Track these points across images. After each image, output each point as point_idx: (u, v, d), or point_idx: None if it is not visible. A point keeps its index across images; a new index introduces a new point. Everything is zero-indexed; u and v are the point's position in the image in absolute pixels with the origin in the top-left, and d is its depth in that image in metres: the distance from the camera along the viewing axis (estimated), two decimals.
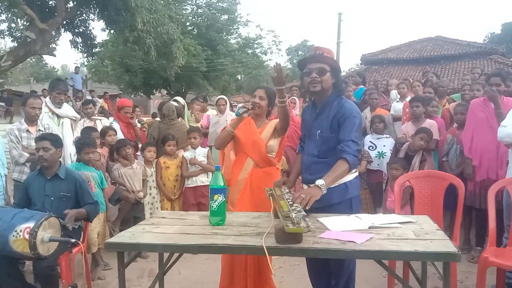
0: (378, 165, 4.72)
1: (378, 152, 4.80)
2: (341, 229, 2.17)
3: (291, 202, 2.21)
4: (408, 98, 5.52)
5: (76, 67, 17.34)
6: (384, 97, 6.59)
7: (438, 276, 3.32)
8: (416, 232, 2.15)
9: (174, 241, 2.10)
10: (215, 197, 2.35)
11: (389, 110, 5.99)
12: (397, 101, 6.12)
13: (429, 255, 1.90)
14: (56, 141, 3.31)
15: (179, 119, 5.72)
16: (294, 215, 1.96)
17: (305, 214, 2.08)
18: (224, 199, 2.37)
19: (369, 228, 2.20)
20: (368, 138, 4.96)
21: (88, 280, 3.57)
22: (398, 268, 3.23)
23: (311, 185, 2.39)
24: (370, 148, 4.86)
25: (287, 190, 2.50)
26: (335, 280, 2.69)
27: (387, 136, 4.97)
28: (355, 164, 2.50)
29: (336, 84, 2.63)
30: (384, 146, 4.82)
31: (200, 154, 4.88)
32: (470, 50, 18.34)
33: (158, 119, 6.23)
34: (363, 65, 21.45)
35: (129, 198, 4.38)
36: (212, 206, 2.36)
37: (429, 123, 4.59)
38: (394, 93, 6.59)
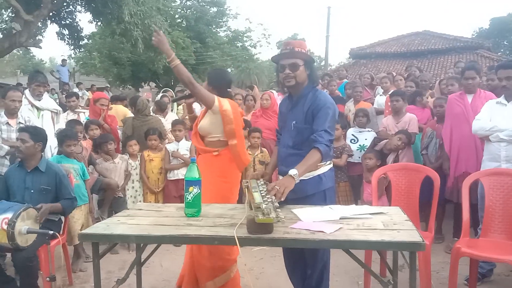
0: (359, 158, 4.78)
1: (360, 145, 4.86)
2: (313, 220, 2.21)
3: (264, 194, 2.24)
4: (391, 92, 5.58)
5: (63, 60, 17.16)
6: (367, 90, 6.65)
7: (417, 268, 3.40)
8: (385, 222, 2.20)
9: (148, 232, 2.13)
10: (190, 189, 2.38)
11: (373, 104, 6.06)
12: (380, 95, 6.19)
13: (394, 244, 1.96)
14: (37, 135, 3.30)
15: (154, 114, 5.66)
16: (264, 206, 2.00)
17: (278, 205, 2.12)
18: (199, 191, 2.40)
19: (340, 218, 2.25)
20: (351, 131, 5.02)
21: (69, 272, 3.59)
22: (376, 259, 3.30)
23: (284, 176, 2.43)
24: (352, 141, 4.92)
25: (262, 182, 2.53)
26: (310, 270, 2.74)
27: (369, 129, 5.03)
28: (328, 154, 2.55)
29: (311, 75, 2.67)
30: (365, 139, 4.88)
31: (183, 147, 4.89)
32: (457, 45, 18.51)
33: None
34: (351, 59, 21.54)
35: (111, 184, 4.38)
36: (187, 198, 2.39)
37: (409, 117, 4.66)
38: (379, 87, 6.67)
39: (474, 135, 3.75)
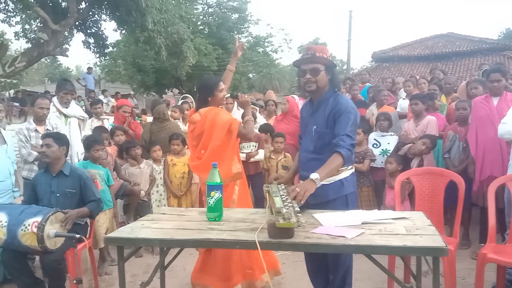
0: (382, 162, 4.72)
1: (382, 149, 4.81)
2: (334, 225, 2.21)
3: (284, 198, 2.26)
4: None
5: (88, 68, 17.57)
6: (390, 94, 6.58)
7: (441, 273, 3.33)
8: (407, 227, 2.18)
9: (171, 236, 2.17)
10: (212, 193, 2.41)
11: (395, 108, 6.00)
12: (403, 99, 6.11)
13: (417, 250, 1.94)
14: (60, 139, 3.41)
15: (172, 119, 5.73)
16: (285, 210, 2.01)
17: (299, 210, 2.13)
18: (221, 195, 2.43)
19: (361, 223, 2.24)
20: (373, 136, 4.98)
21: (95, 275, 3.67)
22: (400, 265, 3.26)
23: (305, 180, 2.43)
24: (374, 145, 4.87)
25: (283, 187, 2.55)
26: (333, 275, 2.73)
27: (392, 133, 4.98)
28: (349, 158, 2.54)
29: (332, 80, 2.68)
30: (388, 143, 4.83)
31: None
32: (483, 46, 18.09)
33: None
34: (373, 63, 21.33)
35: (134, 191, 4.47)
36: (209, 203, 2.42)
37: (428, 119, 4.60)
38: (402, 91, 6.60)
39: (500, 139, 3.68)
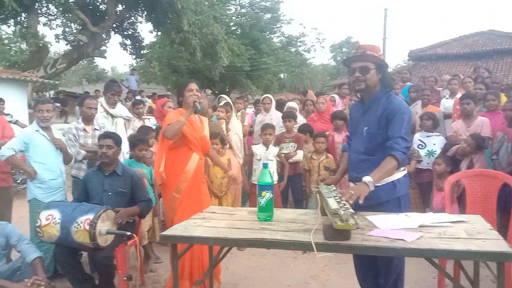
0: (427, 164, 4.58)
1: (428, 150, 4.67)
2: (390, 228, 2.16)
3: (338, 200, 2.22)
4: (459, 95, 5.35)
5: (132, 69, 17.95)
6: (432, 94, 6.41)
7: (491, 279, 3.22)
8: (468, 231, 2.11)
9: (225, 235, 2.18)
10: (263, 193, 2.41)
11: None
12: (446, 98, 5.94)
13: (482, 255, 1.86)
14: (117, 140, 3.53)
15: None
16: (342, 212, 1.97)
17: (353, 211, 2.09)
18: (272, 195, 2.42)
19: (419, 227, 2.18)
20: (418, 136, 4.84)
21: (141, 272, 3.74)
22: (448, 269, 3.16)
23: (358, 183, 2.39)
24: (420, 146, 4.74)
25: (333, 188, 2.51)
26: (384, 279, 2.67)
27: (437, 134, 4.84)
28: (404, 161, 2.48)
29: (383, 80, 2.62)
30: (434, 144, 4.68)
31: (272, 152, 4.86)
32: None
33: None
34: (410, 61, 20.86)
35: None
36: (260, 202, 2.42)
37: (481, 120, 4.43)
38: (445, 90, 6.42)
39: None
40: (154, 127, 5.14)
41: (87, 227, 2.93)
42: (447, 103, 5.76)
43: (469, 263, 2.52)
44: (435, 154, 4.56)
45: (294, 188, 5.19)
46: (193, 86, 3.40)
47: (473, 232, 2.10)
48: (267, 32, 24.49)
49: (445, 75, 8.02)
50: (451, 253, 1.90)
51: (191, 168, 3.33)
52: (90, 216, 2.97)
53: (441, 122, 5.18)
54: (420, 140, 4.76)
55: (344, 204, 2.14)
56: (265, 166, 2.51)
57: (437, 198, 4.02)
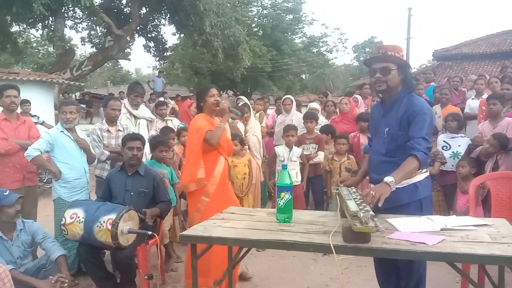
0: (452, 166, 4.48)
1: (453, 152, 4.58)
2: (411, 230, 2.12)
3: (359, 202, 2.20)
4: (485, 95, 5.22)
5: (159, 72, 18.21)
6: (456, 93, 6.28)
7: None
8: (492, 235, 2.05)
9: (244, 236, 2.18)
10: (282, 194, 2.40)
11: (464, 108, 5.72)
12: (472, 98, 5.80)
13: (506, 259, 1.81)
14: (144, 141, 3.63)
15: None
16: (362, 214, 1.95)
17: (374, 214, 2.06)
18: (291, 196, 2.42)
19: (441, 230, 2.14)
20: (442, 138, 4.74)
21: (162, 271, 3.78)
22: (472, 274, 3.09)
23: (379, 183, 2.35)
24: (444, 148, 4.64)
25: (354, 190, 2.49)
26: (405, 282, 2.63)
27: (463, 135, 4.74)
28: (426, 162, 2.44)
29: (405, 80, 2.58)
30: (459, 146, 4.58)
31: (295, 153, 4.84)
32: None
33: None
34: (435, 61, 20.47)
35: None
36: (279, 204, 2.41)
37: (507, 121, 4.31)
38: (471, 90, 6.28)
39: None
40: (177, 128, 5.21)
41: (109, 227, 2.99)
42: (473, 104, 5.63)
43: (494, 267, 2.46)
44: (460, 155, 4.45)
45: (315, 190, 5.16)
46: (215, 91, 3.42)
47: (497, 236, 2.04)
48: (289, 33, 24.45)
49: (471, 75, 7.83)
50: (474, 257, 1.85)
51: (219, 171, 3.37)
52: (113, 216, 3.02)
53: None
54: (444, 141, 4.67)
55: (364, 207, 2.12)
56: (284, 167, 2.51)
57: (461, 201, 3.93)
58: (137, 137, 3.61)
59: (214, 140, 3.29)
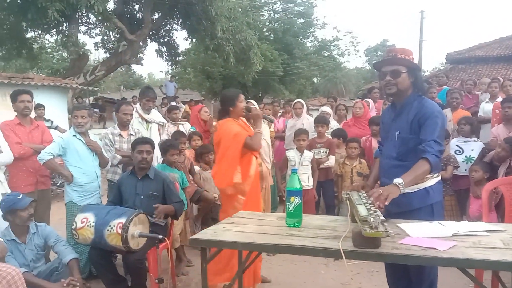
0: (465, 170, 4.42)
1: (466, 156, 4.52)
2: (422, 236, 2.10)
3: (369, 207, 2.18)
4: (500, 99, 5.15)
5: (171, 76, 18.34)
6: (469, 97, 6.21)
7: None
8: (505, 241, 2.02)
9: (253, 240, 2.18)
10: (292, 199, 2.40)
11: (477, 112, 5.64)
12: (486, 102, 5.73)
13: None
14: (153, 145, 3.66)
15: None
16: (372, 219, 1.94)
17: (384, 219, 2.05)
18: (301, 201, 2.41)
19: (452, 235, 2.11)
20: (455, 142, 4.69)
21: (173, 275, 3.79)
22: (486, 280, 3.04)
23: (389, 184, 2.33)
24: (457, 152, 4.59)
25: (364, 194, 2.47)
26: None
27: (476, 139, 4.68)
28: (437, 165, 2.41)
29: (416, 83, 2.56)
30: (472, 150, 4.52)
31: (306, 157, 4.83)
32: None
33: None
34: (448, 64, 20.26)
35: (208, 198, 4.57)
36: (289, 208, 2.41)
37: None
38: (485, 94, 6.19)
39: None
40: (188, 132, 5.24)
41: (120, 231, 3.01)
42: (487, 107, 5.56)
43: (508, 274, 2.42)
44: (473, 160, 4.40)
45: (326, 194, 5.14)
46: (243, 97, 3.52)
47: (511, 242, 2.01)
48: (300, 37, 24.44)
49: (484, 78, 7.72)
50: (486, 263, 1.82)
51: (254, 171, 3.45)
52: (123, 220, 3.04)
53: None
54: (457, 145, 4.61)
55: (375, 211, 2.10)
56: (294, 171, 2.51)
57: (474, 206, 3.88)
58: (146, 140, 3.63)
59: (256, 145, 3.41)
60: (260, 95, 23.28)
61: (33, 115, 4.53)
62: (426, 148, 2.36)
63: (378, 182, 2.83)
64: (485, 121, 5.32)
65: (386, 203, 2.15)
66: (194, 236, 2.33)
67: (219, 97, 23.52)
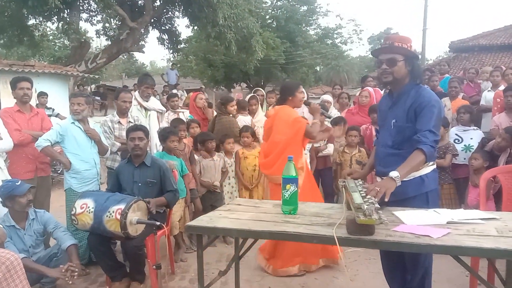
0: (464, 159, 4.43)
1: (465, 145, 4.51)
2: (417, 223, 2.11)
3: (364, 194, 2.19)
4: (502, 87, 5.12)
5: (172, 64, 18.28)
6: (471, 86, 6.17)
7: None
8: (499, 229, 2.02)
9: (248, 227, 2.19)
10: (287, 186, 2.40)
11: (479, 101, 5.62)
12: (488, 90, 5.70)
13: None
14: (147, 131, 3.64)
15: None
16: (366, 206, 1.94)
17: (379, 206, 2.05)
18: (296, 188, 2.41)
19: (447, 223, 2.11)
20: (454, 131, 4.68)
21: (171, 261, 3.83)
22: (483, 267, 3.06)
23: (384, 178, 2.34)
24: (456, 141, 4.58)
25: (360, 182, 2.47)
26: (410, 275, 2.62)
27: (475, 128, 4.66)
28: (432, 155, 2.40)
29: (413, 72, 2.54)
30: (471, 139, 4.52)
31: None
32: None
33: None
34: (451, 53, 20.10)
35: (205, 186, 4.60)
36: (285, 196, 2.42)
37: None
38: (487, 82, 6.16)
39: None
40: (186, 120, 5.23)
41: (118, 217, 3.03)
42: (489, 96, 5.53)
43: (503, 262, 2.43)
44: (473, 149, 4.39)
45: (325, 182, 5.15)
46: (303, 88, 3.68)
47: (504, 229, 2.01)
48: (303, 25, 24.25)
49: (486, 66, 7.66)
50: (479, 251, 1.82)
51: (305, 159, 3.52)
52: (122, 206, 3.06)
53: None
54: (456, 134, 4.60)
55: (369, 199, 2.10)
56: (290, 159, 2.50)
57: (472, 194, 3.88)
58: (138, 127, 3.62)
59: (315, 133, 3.49)
60: (262, 83, 23.20)
61: (34, 102, 4.53)
62: (421, 138, 2.35)
63: (374, 171, 2.83)
64: (486, 110, 5.29)
65: (386, 199, 2.15)
66: (190, 223, 2.35)
67: (220, 85, 23.50)
